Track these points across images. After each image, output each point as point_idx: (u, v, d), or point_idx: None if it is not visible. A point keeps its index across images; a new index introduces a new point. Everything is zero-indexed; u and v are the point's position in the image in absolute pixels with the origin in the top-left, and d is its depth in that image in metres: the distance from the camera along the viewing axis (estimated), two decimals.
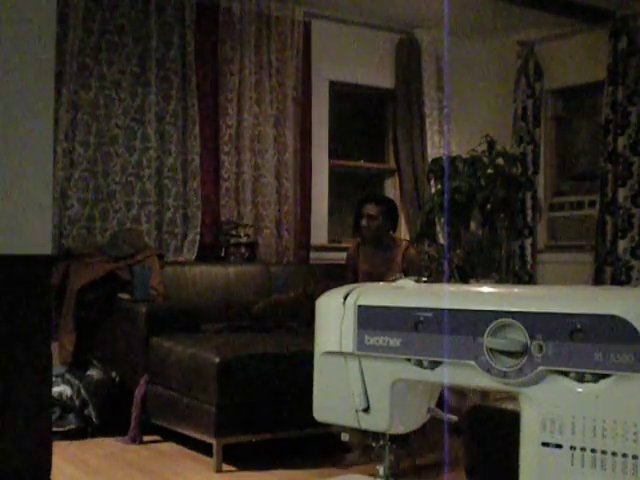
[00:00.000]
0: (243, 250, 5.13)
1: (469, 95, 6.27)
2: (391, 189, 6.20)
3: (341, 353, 1.39)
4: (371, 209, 4.53)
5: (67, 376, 4.18)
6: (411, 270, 4.48)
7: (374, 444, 1.42)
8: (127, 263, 4.51)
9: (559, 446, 1.14)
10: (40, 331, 2.07)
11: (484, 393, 3.28)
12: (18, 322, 2.02)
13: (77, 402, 4.06)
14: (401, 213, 5.54)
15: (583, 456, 1.12)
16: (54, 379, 3.91)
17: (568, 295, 1.22)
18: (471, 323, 1.23)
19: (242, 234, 5.14)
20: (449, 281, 5.20)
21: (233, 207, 5.28)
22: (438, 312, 1.28)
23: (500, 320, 1.20)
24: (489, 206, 5.34)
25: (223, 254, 5.08)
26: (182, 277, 4.70)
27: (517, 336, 1.18)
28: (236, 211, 5.28)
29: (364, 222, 4.54)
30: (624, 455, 1.09)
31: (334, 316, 1.41)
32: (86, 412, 4.05)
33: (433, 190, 5.60)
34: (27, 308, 2.04)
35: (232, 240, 5.10)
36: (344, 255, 5.19)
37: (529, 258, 5.94)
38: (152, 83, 5.01)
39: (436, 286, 1.47)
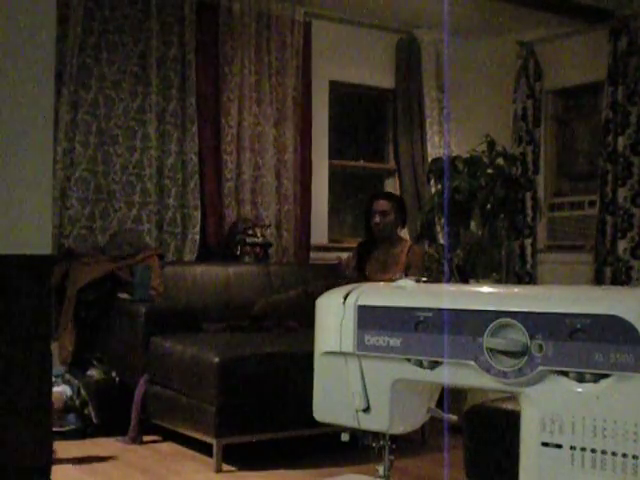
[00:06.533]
0: (258, 250, 5.13)
1: (469, 95, 6.27)
2: (391, 189, 6.20)
3: (341, 353, 1.39)
4: (383, 205, 4.60)
5: (67, 376, 4.17)
6: (413, 267, 4.49)
7: (374, 444, 1.42)
8: (127, 263, 4.51)
9: (559, 446, 1.14)
10: (40, 331, 2.07)
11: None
12: (18, 322, 2.02)
13: (77, 402, 4.06)
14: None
15: (583, 456, 1.12)
16: (54, 379, 3.91)
17: (568, 295, 1.22)
18: (471, 323, 1.23)
19: (258, 234, 5.13)
20: (449, 281, 5.20)
21: (235, 207, 5.28)
22: (438, 312, 1.28)
23: (500, 320, 1.20)
24: (489, 206, 5.34)
25: (239, 253, 5.07)
26: (182, 277, 4.70)
27: (517, 336, 1.18)
28: (236, 211, 5.28)
29: (377, 218, 4.58)
30: (624, 455, 1.09)
31: (334, 316, 1.40)
32: (86, 412, 4.04)
33: (433, 190, 5.59)
34: (27, 308, 2.03)
35: (248, 240, 5.09)
36: (344, 255, 5.20)
37: (529, 258, 5.94)
38: (152, 83, 5.01)
39: (436, 286, 1.47)
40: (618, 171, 5.42)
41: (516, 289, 1.35)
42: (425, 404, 1.43)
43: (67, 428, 3.96)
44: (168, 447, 3.88)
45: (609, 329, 1.10)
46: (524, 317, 1.18)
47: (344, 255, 5.23)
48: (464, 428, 2.09)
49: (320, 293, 1.47)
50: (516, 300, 1.23)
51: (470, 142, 5.73)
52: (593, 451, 1.11)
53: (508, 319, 1.19)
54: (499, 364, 1.20)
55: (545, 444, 1.15)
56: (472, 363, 1.22)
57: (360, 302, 1.38)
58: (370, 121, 6.36)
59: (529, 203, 5.91)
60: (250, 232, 5.13)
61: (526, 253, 5.95)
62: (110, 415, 4.06)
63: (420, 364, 1.30)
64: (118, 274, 4.46)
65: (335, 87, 5.92)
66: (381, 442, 1.42)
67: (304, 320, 4.28)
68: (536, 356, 1.16)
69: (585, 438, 1.12)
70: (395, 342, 1.32)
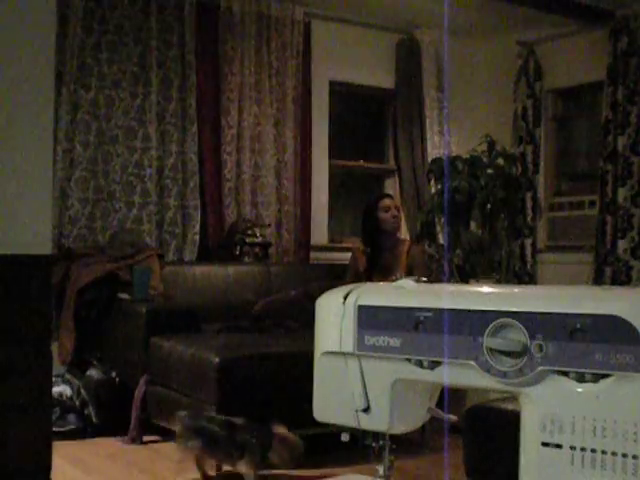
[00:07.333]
0: (258, 250, 5.13)
1: (469, 95, 6.27)
2: (391, 189, 6.20)
3: (341, 353, 1.39)
4: (391, 202, 4.65)
5: (67, 376, 4.17)
6: (416, 266, 4.49)
7: (374, 444, 1.42)
8: (127, 263, 4.51)
9: (559, 446, 1.14)
10: (40, 331, 2.07)
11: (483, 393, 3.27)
12: (18, 322, 2.02)
13: (77, 402, 4.06)
14: (402, 213, 5.55)
15: (583, 456, 1.12)
16: (54, 379, 3.91)
17: (568, 295, 1.22)
18: (471, 323, 1.23)
19: (258, 234, 5.14)
20: (449, 281, 5.20)
21: (235, 207, 5.28)
22: (438, 312, 1.28)
23: (500, 320, 1.20)
24: (489, 206, 5.34)
25: (238, 252, 5.07)
26: (182, 277, 4.70)
27: (517, 336, 1.18)
28: (236, 211, 5.28)
29: (393, 212, 4.59)
30: (624, 455, 1.09)
31: (334, 316, 1.40)
32: (86, 412, 4.04)
33: (433, 190, 5.59)
34: (27, 308, 2.03)
35: (248, 240, 5.09)
36: (344, 255, 5.20)
37: (529, 258, 5.94)
38: (152, 83, 5.01)
39: (436, 286, 1.47)
40: (618, 171, 5.42)
41: (516, 289, 1.35)
42: (425, 404, 1.43)
43: (67, 428, 3.96)
44: (168, 447, 3.87)
45: (609, 329, 1.10)
46: (524, 317, 1.18)
47: (347, 254, 5.22)
48: (464, 428, 2.09)
49: (320, 293, 1.47)
50: (516, 300, 1.23)
51: (470, 142, 5.74)
52: (593, 451, 1.11)
53: (508, 319, 1.19)
54: (499, 364, 1.20)
55: (545, 444, 1.15)
56: (472, 363, 1.22)
57: (360, 302, 1.38)
58: (370, 121, 6.36)
59: (529, 203, 5.91)
60: (250, 232, 5.13)
61: (526, 253, 5.95)
62: (110, 415, 4.06)
63: (420, 364, 1.30)
64: (118, 274, 4.46)
65: (335, 87, 5.91)
66: (381, 442, 1.42)
67: (304, 320, 4.28)
68: (536, 356, 1.16)
69: (585, 438, 1.12)
70: (395, 342, 1.32)
